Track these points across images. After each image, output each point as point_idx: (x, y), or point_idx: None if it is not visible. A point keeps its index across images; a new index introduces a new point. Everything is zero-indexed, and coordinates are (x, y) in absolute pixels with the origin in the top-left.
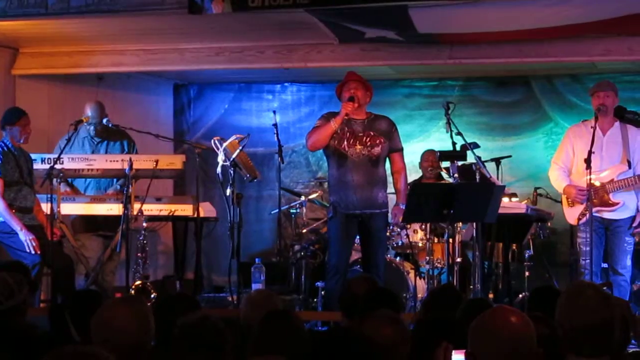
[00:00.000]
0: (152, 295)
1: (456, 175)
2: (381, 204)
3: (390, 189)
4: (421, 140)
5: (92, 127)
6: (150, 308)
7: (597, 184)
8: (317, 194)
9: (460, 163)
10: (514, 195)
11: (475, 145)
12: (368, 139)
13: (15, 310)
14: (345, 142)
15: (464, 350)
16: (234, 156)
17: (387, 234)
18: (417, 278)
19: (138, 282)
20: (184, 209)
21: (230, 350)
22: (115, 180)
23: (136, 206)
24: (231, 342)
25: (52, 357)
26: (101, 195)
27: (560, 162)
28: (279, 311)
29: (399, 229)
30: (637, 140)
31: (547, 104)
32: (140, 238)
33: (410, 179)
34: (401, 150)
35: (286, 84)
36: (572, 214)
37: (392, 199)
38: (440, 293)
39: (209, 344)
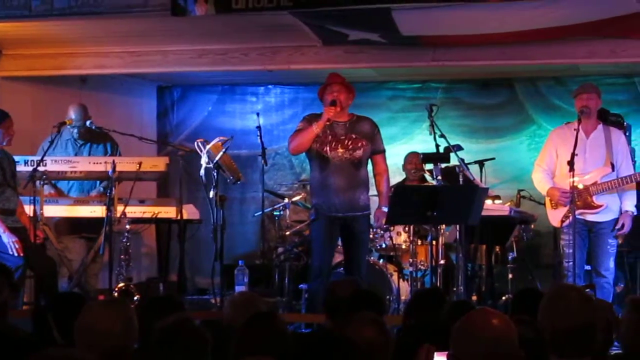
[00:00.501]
0: (136, 298)
1: (440, 177)
2: (363, 206)
3: (373, 190)
4: (405, 142)
5: (75, 130)
6: (134, 310)
7: (581, 186)
8: (300, 196)
9: (443, 165)
10: (498, 197)
11: (458, 148)
12: (350, 142)
13: None
14: (327, 146)
15: (446, 353)
16: (217, 158)
17: (371, 236)
18: (401, 280)
19: (121, 285)
20: (167, 211)
21: (211, 352)
22: (98, 182)
23: (119, 208)
24: (211, 343)
25: None
26: (84, 197)
27: (543, 164)
28: (262, 313)
29: (382, 231)
30: (620, 142)
31: (530, 107)
32: (124, 240)
33: (393, 181)
34: (383, 151)
35: (270, 86)
36: (555, 216)
37: (374, 200)
38: (424, 295)
39: (188, 346)
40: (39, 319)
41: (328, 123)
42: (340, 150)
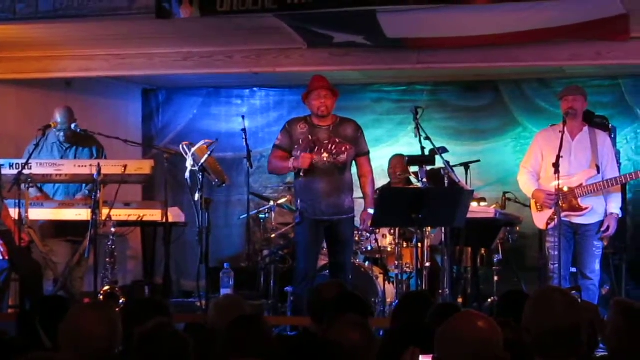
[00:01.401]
0: (121, 301)
1: (425, 180)
2: (348, 209)
3: (357, 193)
4: (390, 145)
5: (61, 133)
6: (119, 314)
7: (566, 188)
8: (286, 198)
9: (429, 168)
10: (483, 199)
11: (444, 150)
12: (334, 146)
13: None
14: (311, 151)
15: (432, 355)
16: (202, 161)
17: (356, 238)
18: (386, 283)
19: (107, 288)
20: (153, 214)
21: (195, 355)
22: (84, 185)
23: (105, 211)
24: (193, 348)
25: None
26: (70, 200)
27: (529, 166)
28: (248, 316)
29: (367, 234)
30: (605, 144)
31: (515, 109)
32: (109, 243)
33: (379, 184)
34: (367, 153)
35: (255, 88)
36: (540, 219)
37: (358, 203)
38: (411, 298)
39: (169, 351)
40: (25, 323)
41: (315, 138)
42: (325, 155)
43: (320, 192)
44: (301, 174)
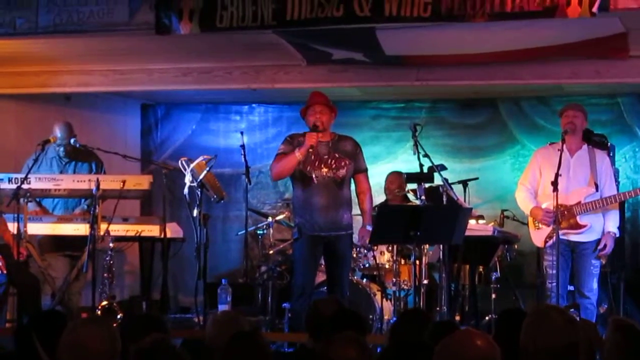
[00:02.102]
0: (119, 316)
1: (423, 197)
2: (346, 226)
3: (355, 210)
4: (388, 161)
5: (61, 148)
6: (117, 328)
7: (564, 206)
8: (284, 214)
9: (427, 185)
10: (481, 217)
11: (442, 167)
12: (333, 161)
13: None
14: (310, 165)
15: None
16: (201, 177)
17: (354, 255)
18: (384, 300)
19: (104, 302)
20: (151, 230)
21: None
22: (83, 200)
23: (103, 226)
24: None
25: None
26: (68, 215)
27: (527, 183)
28: (245, 332)
29: (365, 251)
30: (604, 163)
31: (513, 126)
32: (107, 258)
33: (377, 201)
34: (366, 170)
35: (254, 104)
36: (538, 237)
37: (356, 220)
38: (409, 315)
39: None
40: (22, 337)
41: (310, 150)
42: (324, 169)
43: (318, 207)
44: (310, 149)
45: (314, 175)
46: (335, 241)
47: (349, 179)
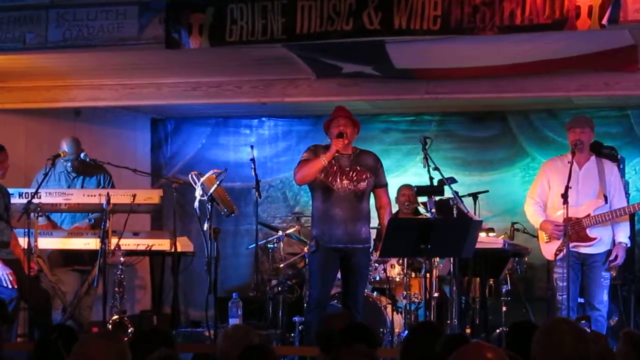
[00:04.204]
0: (129, 330)
1: (434, 210)
2: (364, 239)
3: (373, 223)
4: (398, 175)
5: (69, 163)
6: (127, 343)
7: (574, 219)
8: (294, 228)
9: (437, 198)
10: (491, 230)
11: (452, 180)
12: (354, 173)
13: None
14: (332, 176)
15: None
16: (211, 191)
17: None
18: (395, 313)
19: (115, 317)
20: (161, 244)
21: None
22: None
23: (113, 241)
24: None
25: None
26: (73, 228)
27: (535, 196)
28: (256, 346)
29: (376, 264)
30: (613, 174)
31: (523, 139)
32: (118, 273)
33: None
34: (386, 185)
35: (263, 118)
36: (548, 250)
37: (374, 233)
38: (421, 329)
39: None
40: (45, 350)
41: (336, 155)
42: (345, 181)
43: (337, 220)
44: (336, 153)
45: (334, 187)
46: (353, 254)
47: (369, 193)
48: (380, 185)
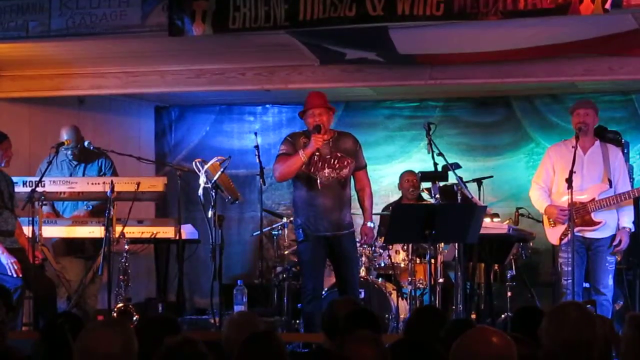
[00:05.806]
0: (135, 318)
1: (438, 196)
2: (348, 225)
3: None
4: (402, 161)
5: (69, 151)
6: (133, 331)
7: (578, 203)
8: None
9: (441, 184)
10: (496, 215)
11: (456, 166)
12: (336, 161)
13: None
14: (314, 167)
15: None
16: (215, 178)
17: (369, 255)
18: (400, 299)
19: (120, 305)
20: (166, 231)
21: None
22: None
23: (118, 229)
24: None
25: None
26: (75, 215)
27: (540, 181)
28: (261, 333)
29: (381, 250)
30: (617, 158)
31: (527, 124)
32: (122, 260)
33: (391, 200)
34: (365, 167)
35: (267, 105)
36: (553, 234)
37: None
38: (424, 313)
39: None
40: (53, 336)
41: (317, 154)
42: (327, 170)
43: (322, 209)
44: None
45: (318, 178)
46: (339, 241)
47: (350, 178)
48: (360, 167)
